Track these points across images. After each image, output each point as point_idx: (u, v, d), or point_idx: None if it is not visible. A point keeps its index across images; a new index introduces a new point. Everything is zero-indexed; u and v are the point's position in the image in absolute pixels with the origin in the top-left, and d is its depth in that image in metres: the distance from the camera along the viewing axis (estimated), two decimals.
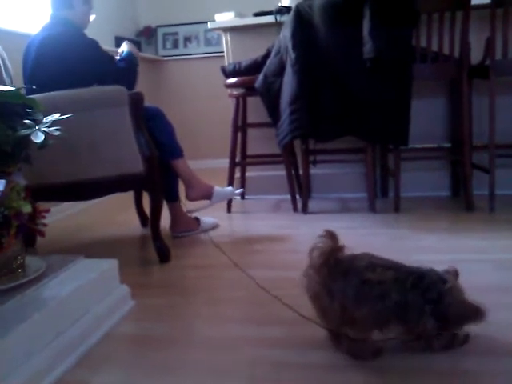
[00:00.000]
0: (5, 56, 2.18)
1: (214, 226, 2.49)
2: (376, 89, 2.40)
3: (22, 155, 1.28)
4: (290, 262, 1.91)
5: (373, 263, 1.16)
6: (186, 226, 2.40)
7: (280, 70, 2.55)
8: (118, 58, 2.18)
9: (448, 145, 2.88)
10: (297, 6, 2.47)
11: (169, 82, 4.99)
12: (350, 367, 1.15)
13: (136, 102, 1.87)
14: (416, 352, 1.18)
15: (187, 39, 4.98)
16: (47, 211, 1.36)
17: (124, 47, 2.23)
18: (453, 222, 2.32)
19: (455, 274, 1.24)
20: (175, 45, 5.03)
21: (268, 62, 2.61)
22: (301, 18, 2.46)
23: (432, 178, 2.94)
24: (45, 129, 1.26)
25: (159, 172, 1.98)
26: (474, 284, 1.52)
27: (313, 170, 3.08)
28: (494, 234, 2.09)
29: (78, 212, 3.10)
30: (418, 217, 2.45)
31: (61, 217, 2.92)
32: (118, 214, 2.98)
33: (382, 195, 3.00)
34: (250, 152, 3.11)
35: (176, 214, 2.38)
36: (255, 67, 2.71)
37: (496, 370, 1.11)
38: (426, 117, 2.89)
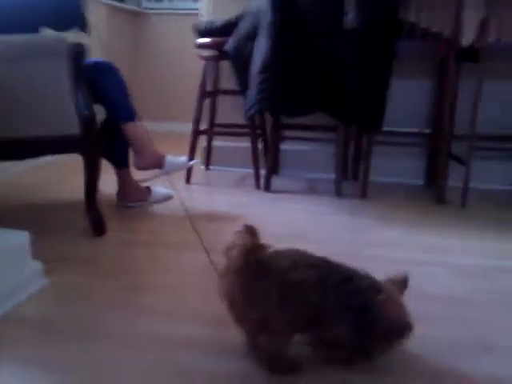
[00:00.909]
0: None
1: (167, 198, 2.31)
2: (354, 65, 2.20)
3: None
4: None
5: (296, 262, 1.00)
6: (136, 195, 2.22)
7: (254, 34, 2.32)
8: None
9: (428, 131, 2.70)
10: None
11: (149, 37, 4.71)
12: (262, 382, 1.00)
13: (76, 53, 1.65)
14: (338, 369, 1.04)
15: None
16: None
17: None
18: (419, 215, 2.16)
19: (402, 283, 1.08)
20: None
21: (242, 23, 2.38)
22: None
23: (407, 164, 2.77)
24: None
25: (98, 135, 1.78)
26: (428, 291, 1.40)
27: (283, 146, 2.90)
28: (462, 232, 1.95)
29: (35, 169, 2.89)
30: (384, 205, 2.30)
31: (14, 172, 2.72)
32: (78, 174, 2.78)
33: (353, 178, 2.83)
34: (219, 120, 2.91)
35: (125, 182, 2.19)
36: (230, 28, 2.47)
37: None
38: (409, 99, 2.70)
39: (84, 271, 1.54)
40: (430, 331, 1.20)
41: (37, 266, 1.40)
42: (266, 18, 2.21)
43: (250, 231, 0.98)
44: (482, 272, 1.58)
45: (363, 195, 2.41)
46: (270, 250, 1.01)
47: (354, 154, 2.79)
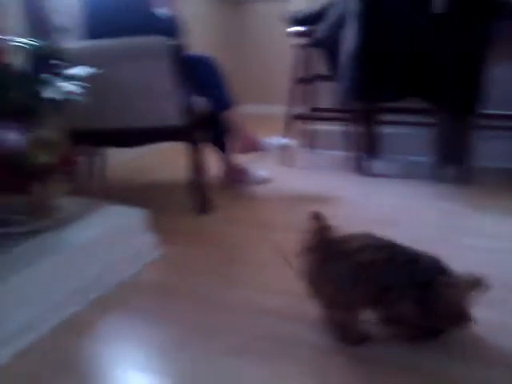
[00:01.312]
0: None
1: (265, 180, 2.47)
2: (444, 49, 2.15)
3: (43, 109, 1.34)
4: None
5: (366, 244, 1.10)
6: (237, 177, 2.41)
7: (342, 22, 2.36)
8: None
9: None
10: None
11: (250, 25, 4.87)
12: (336, 351, 1.13)
13: (175, 53, 1.85)
14: (403, 345, 1.13)
15: None
16: (74, 162, 1.44)
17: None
18: None
19: (475, 281, 1.10)
20: None
21: (331, 11, 2.42)
22: None
23: None
24: (59, 84, 1.30)
25: (197, 124, 1.98)
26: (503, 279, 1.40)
27: (385, 129, 2.91)
28: None
29: (150, 152, 3.21)
30: (484, 191, 2.24)
31: (133, 155, 3.06)
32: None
33: (457, 162, 2.75)
34: (317, 105, 3.00)
35: (227, 166, 2.40)
36: (320, 16, 2.53)
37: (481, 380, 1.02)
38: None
39: (190, 244, 1.76)
40: (509, 320, 1.22)
41: (151, 238, 1.65)
42: (353, 6, 2.24)
43: (319, 216, 1.10)
44: None
45: (464, 180, 2.37)
46: (340, 232, 1.12)
47: (458, 138, 2.72)
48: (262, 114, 4.40)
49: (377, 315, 1.15)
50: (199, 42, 3.89)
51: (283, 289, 1.41)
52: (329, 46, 2.47)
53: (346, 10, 2.34)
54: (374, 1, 2.23)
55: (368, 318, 1.15)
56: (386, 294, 1.07)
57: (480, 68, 2.17)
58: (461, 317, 1.05)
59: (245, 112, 4.86)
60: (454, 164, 2.71)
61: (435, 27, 2.12)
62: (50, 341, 1.20)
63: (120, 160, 2.96)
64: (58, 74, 1.34)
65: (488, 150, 2.63)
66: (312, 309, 1.22)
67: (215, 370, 1.09)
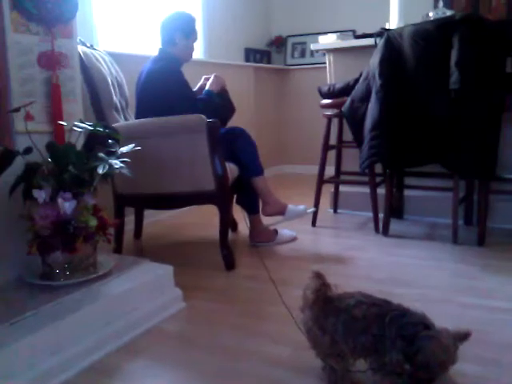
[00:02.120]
0: (121, 78, 2.60)
1: (292, 239, 2.66)
2: (461, 119, 2.33)
3: (95, 182, 1.62)
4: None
5: (360, 301, 1.26)
6: (264, 236, 2.62)
7: (366, 96, 2.60)
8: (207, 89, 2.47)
9: None
10: (387, 34, 2.49)
11: (294, 89, 5.21)
12: None
13: (212, 128, 2.13)
14: None
15: None
16: (115, 225, 1.70)
17: (207, 85, 2.50)
18: None
19: (461, 334, 1.23)
20: (302, 54, 5.24)
21: (356, 87, 2.68)
22: (390, 45, 2.48)
23: None
24: (111, 161, 1.58)
25: (229, 189, 2.23)
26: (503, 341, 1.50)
27: (407, 191, 3.05)
28: None
29: (185, 210, 3.46)
30: (499, 253, 2.32)
31: (169, 214, 3.32)
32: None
33: (478, 224, 2.84)
34: (345, 168, 3.19)
35: (255, 225, 2.61)
36: (347, 90, 2.79)
37: None
38: None
39: (213, 298, 1.96)
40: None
41: (177, 292, 1.86)
42: (376, 82, 2.48)
43: (318, 275, 1.28)
44: None
45: (480, 242, 2.46)
46: (337, 289, 1.29)
47: (477, 201, 2.82)
48: (303, 174, 4.67)
49: (368, 365, 1.28)
50: (247, 107, 4.28)
51: (290, 340, 1.55)
52: (351, 117, 2.71)
53: (371, 85, 2.58)
54: (393, 76, 2.47)
55: (360, 368, 1.28)
56: (377, 345, 1.21)
57: (494, 136, 2.33)
58: (442, 366, 1.17)
59: (285, 171, 5.13)
60: (472, 225, 2.80)
61: (451, 101, 2.31)
62: (82, 380, 1.40)
63: (157, 218, 3.22)
64: (110, 152, 1.62)
65: (505, 211, 2.71)
66: (313, 358, 1.36)
67: None
